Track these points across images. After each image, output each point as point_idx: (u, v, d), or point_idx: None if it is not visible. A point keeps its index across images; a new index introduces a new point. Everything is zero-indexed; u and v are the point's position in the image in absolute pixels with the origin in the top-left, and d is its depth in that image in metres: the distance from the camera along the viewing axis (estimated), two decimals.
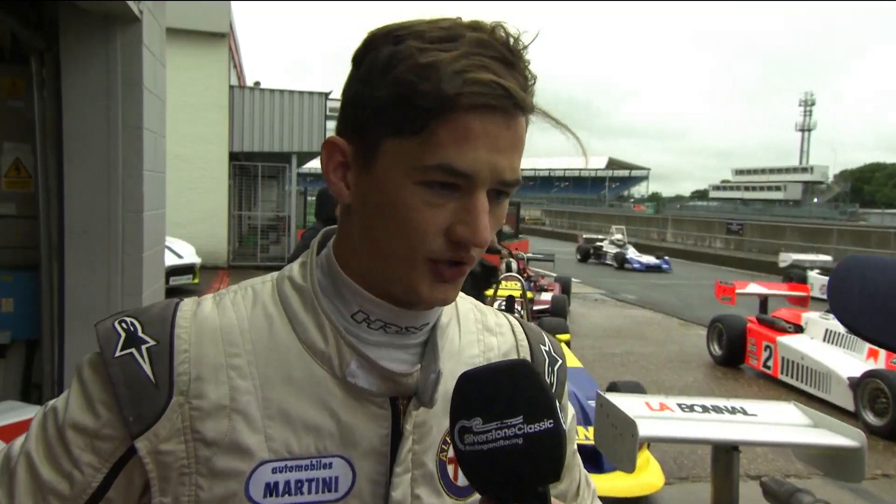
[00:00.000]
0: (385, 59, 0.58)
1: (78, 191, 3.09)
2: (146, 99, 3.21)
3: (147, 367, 0.60)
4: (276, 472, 0.61)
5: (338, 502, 0.63)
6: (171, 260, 9.50)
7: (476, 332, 0.75)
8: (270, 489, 0.61)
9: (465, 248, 0.60)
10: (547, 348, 0.80)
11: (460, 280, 0.63)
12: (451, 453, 0.68)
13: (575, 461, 0.82)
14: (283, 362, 0.63)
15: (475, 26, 0.59)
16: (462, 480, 0.68)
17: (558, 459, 0.56)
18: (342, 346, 0.64)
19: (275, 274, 0.70)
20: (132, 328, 0.62)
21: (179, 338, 0.62)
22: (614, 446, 1.85)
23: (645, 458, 3.98)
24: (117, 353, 0.61)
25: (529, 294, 7.59)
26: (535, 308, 8.82)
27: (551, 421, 0.55)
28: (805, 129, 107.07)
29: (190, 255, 10.83)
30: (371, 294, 0.64)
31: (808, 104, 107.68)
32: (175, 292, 9.63)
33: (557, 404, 0.57)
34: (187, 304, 0.65)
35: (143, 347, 0.61)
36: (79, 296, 3.11)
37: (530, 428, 0.55)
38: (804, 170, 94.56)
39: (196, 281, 10.77)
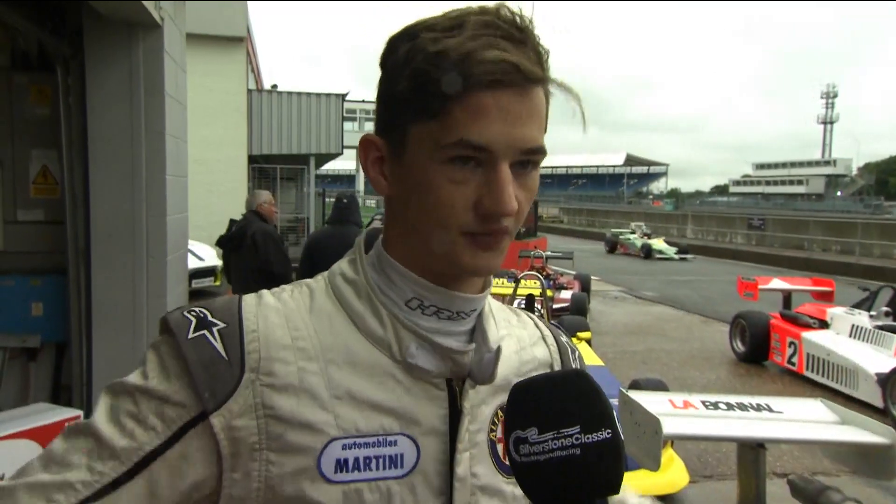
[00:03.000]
0: (403, 55, 0.63)
1: (103, 196, 3.15)
2: (168, 104, 3.26)
3: (219, 346, 0.63)
4: (346, 448, 0.63)
5: (403, 478, 0.65)
6: (192, 263, 9.61)
7: (508, 325, 0.79)
8: (340, 465, 0.63)
9: (494, 220, 0.62)
10: (565, 339, 0.85)
11: (501, 248, 0.65)
12: (499, 433, 0.71)
13: None
14: (345, 348, 0.66)
15: (481, 10, 0.63)
16: None
17: (617, 471, 0.55)
18: (400, 330, 0.67)
19: (325, 273, 0.74)
20: (202, 315, 0.65)
21: (248, 319, 0.65)
22: (638, 444, 1.84)
23: (669, 456, 3.95)
24: (190, 335, 0.63)
25: (549, 292, 7.56)
26: (555, 306, 8.78)
27: (609, 431, 0.55)
28: (827, 122, 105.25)
29: (211, 258, 10.94)
30: (423, 279, 0.67)
31: (830, 96, 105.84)
32: (197, 294, 9.74)
33: (616, 414, 0.58)
34: (249, 298, 0.68)
35: (215, 329, 0.64)
36: (105, 299, 3.17)
37: (588, 438, 0.54)
38: (827, 163, 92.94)
39: (217, 283, 10.89)
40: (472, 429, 0.69)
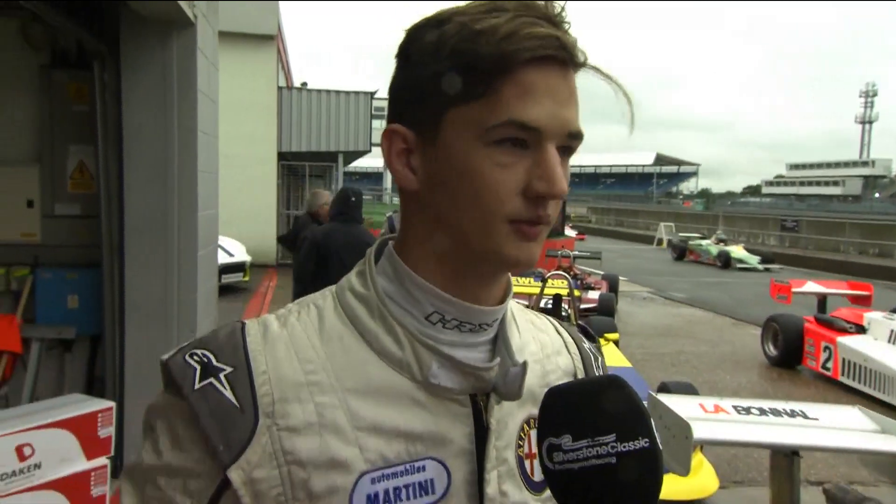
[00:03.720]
0: (434, 39, 0.60)
1: (136, 191, 3.21)
2: (200, 101, 3.30)
3: (229, 393, 0.58)
4: (375, 482, 0.60)
5: None
6: (222, 258, 9.74)
7: (530, 329, 0.76)
8: (371, 500, 0.60)
9: (543, 205, 0.60)
10: (588, 346, 0.81)
11: (542, 238, 0.63)
12: (526, 448, 0.68)
13: None
14: (362, 374, 0.62)
15: None
16: (538, 475, 0.66)
17: (654, 482, 0.53)
18: (419, 349, 0.63)
19: (333, 288, 0.69)
20: (206, 359, 0.60)
21: (255, 360, 0.60)
22: (667, 448, 1.81)
23: (698, 460, 3.88)
24: (196, 386, 0.59)
25: (577, 292, 7.50)
26: (583, 307, 8.70)
27: (647, 440, 0.53)
28: (866, 121, 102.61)
29: (241, 254, 11.09)
30: (445, 293, 0.63)
31: (869, 95, 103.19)
32: (227, 290, 9.89)
33: (653, 423, 0.55)
34: (253, 328, 0.63)
35: (222, 375, 0.59)
36: (138, 292, 3.23)
37: (624, 447, 0.52)
38: (865, 163, 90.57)
39: (247, 279, 11.03)
40: (499, 445, 0.65)
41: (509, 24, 0.58)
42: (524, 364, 0.64)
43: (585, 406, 0.55)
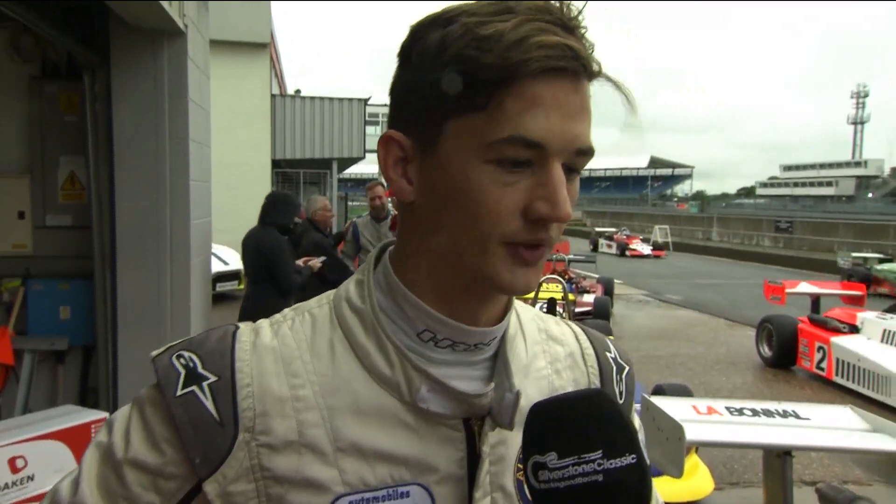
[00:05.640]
0: (437, 42, 0.56)
1: (128, 201, 3.20)
2: (191, 110, 3.31)
3: (210, 405, 0.57)
4: None
5: None
6: (217, 266, 9.74)
7: (541, 341, 0.71)
8: None
9: (544, 227, 0.56)
10: (613, 355, 0.75)
11: (541, 263, 0.59)
12: None
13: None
14: (350, 391, 0.60)
15: None
16: None
17: (642, 498, 0.52)
18: (409, 371, 0.60)
19: (331, 295, 0.66)
20: (191, 364, 0.59)
21: (241, 371, 0.59)
22: (661, 450, 1.81)
23: (693, 462, 3.89)
24: (179, 392, 0.58)
25: (571, 296, 7.51)
26: (578, 310, 8.71)
27: (634, 456, 0.52)
28: (858, 122, 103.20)
29: (235, 262, 11.04)
30: (437, 312, 0.60)
31: (860, 96, 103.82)
32: (222, 298, 9.86)
33: (639, 434, 0.54)
34: (245, 335, 0.62)
35: (205, 384, 0.58)
36: (130, 302, 3.22)
37: (611, 463, 0.51)
38: (857, 164, 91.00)
39: (241, 287, 11.00)
40: (493, 471, 0.62)
41: (517, 30, 0.53)
42: (517, 394, 0.61)
43: (570, 422, 0.53)
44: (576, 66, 0.54)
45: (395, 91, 0.61)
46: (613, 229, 29.32)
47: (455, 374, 0.61)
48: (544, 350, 0.70)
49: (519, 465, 0.63)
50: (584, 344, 0.74)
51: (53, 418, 2.41)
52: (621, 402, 0.72)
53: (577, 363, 0.72)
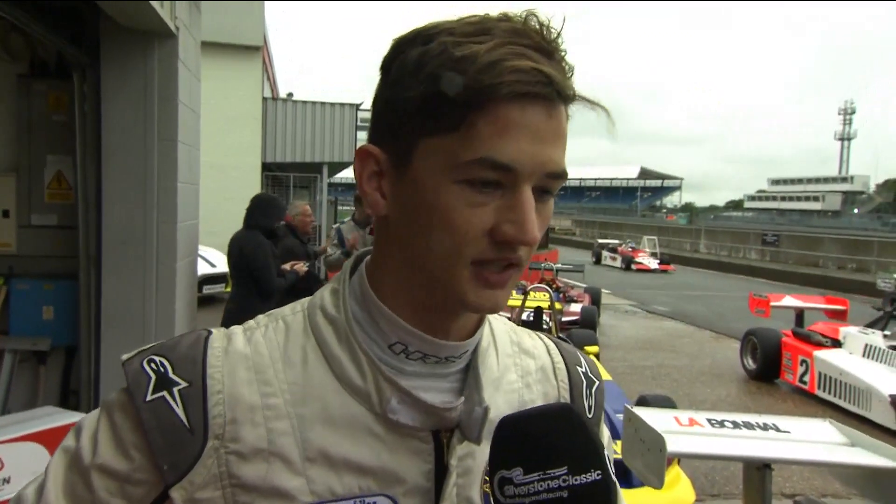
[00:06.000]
0: (415, 59, 0.56)
1: (115, 202, 3.19)
2: (181, 112, 3.30)
3: (180, 411, 0.57)
4: None
5: None
6: (204, 269, 9.68)
7: (513, 354, 0.71)
8: None
9: (511, 248, 0.56)
10: (584, 369, 0.75)
11: (510, 285, 0.59)
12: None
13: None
14: (321, 401, 0.60)
15: (506, 17, 0.56)
16: None
17: None
18: (381, 382, 0.60)
19: (305, 303, 0.66)
20: (162, 369, 0.59)
21: (212, 378, 0.59)
22: (642, 461, 1.83)
23: (675, 473, 3.90)
24: (148, 398, 0.58)
25: (558, 305, 7.53)
26: (565, 319, 8.74)
27: (599, 472, 0.52)
28: (845, 138, 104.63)
29: (222, 265, 10.99)
30: (409, 324, 0.61)
31: (847, 112, 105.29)
32: (209, 301, 9.80)
33: (606, 451, 0.54)
34: (217, 340, 0.62)
35: (175, 390, 0.58)
36: (115, 304, 3.20)
37: (576, 480, 0.51)
38: (844, 179, 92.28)
39: (228, 289, 10.93)
40: (461, 483, 0.62)
41: (491, 53, 0.53)
42: (486, 409, 0.62)
43: (536, 437, 0.54)
44: (548, 92, 0.54)
45: (375, 104, 0.62)
46: (617, 241, 27.82)
47: (426, 385, 0.62)
48: (516, 363, 0.71)
49: (486, 478, 0.63)
50: (556, 358, 0.75)
51: (32, 420, 2.38)
52: (590, 416, 0.73)
53: (547, 377, 0.73)
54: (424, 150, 0.56)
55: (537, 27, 0.56)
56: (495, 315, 0.71)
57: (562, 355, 0.75)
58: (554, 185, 0.58)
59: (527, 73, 0.53)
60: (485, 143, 0.54)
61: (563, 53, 0.57)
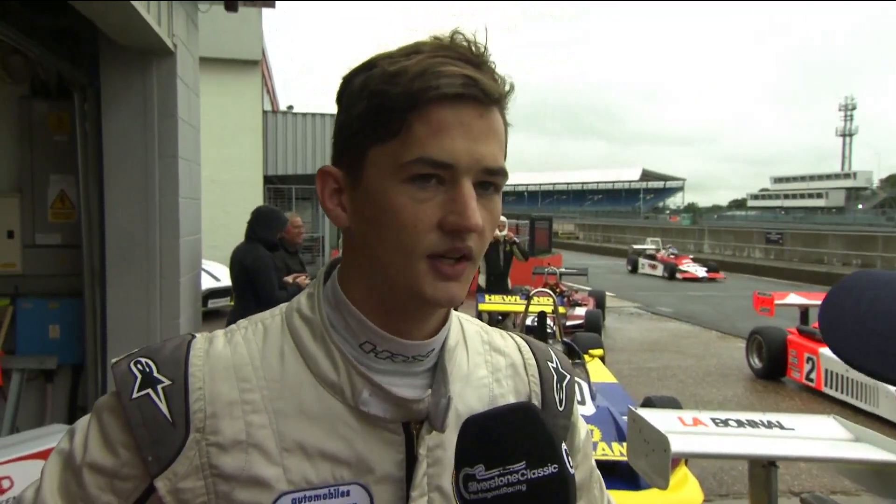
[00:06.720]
0: (360, 84, 0.63)
1: (117, 219, 3.22)
2: (181, 128, 3.33)
3: (163, 406, 0.62)
4: (297, 502, 0.62)
5: None
6: (208, 283, 9.70)
7: (483, 352, 0.75)
8: None
9: (459, 237, 0.61)
10: (555, 365, 0.79)
11: (465, 277, 0.63)
12: None
13: (593, 479, 0.81)
14: (296, 395, 0.64)
15: (436, 38, 0.63)
16: None
17: None
18: (353, 376, 0.65)
19: (283, 307, 0.71)
20: (147, 369, 0.63)
21: (194, 376, 0.63)
22: (647, 462, 1.83)
23: (683, 474, 3.89)
24: (134, 395, 0.62)
25: (562, 309, 7.52)
26: (569, 323, 8.72)
27: (555, 466, 0.55)
28: (846, 135, 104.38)
29: (226, 278, 11.01)
30: (375, 325, 0.65)
31: (848, 108, 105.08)
32: (214, 314, 9.82)
33: (563, 446, 0.57)
34: (199, 342, 0.67)
35: (160, 387, 0.62)
36: (120, 321, 3.22)
37: (533, 474, 0.54)
38: (847, 175, 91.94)
39: (232, 303, 10.96)
40: (431, 472, 0.66)
41: (420, 64, 0.60)
42: (449, 399, 0.66)
43: (497, 435, 0.57)
44: (476, 93, 0.60)
45: (334, 132, 0.68)
46: (654, 247, 24.01)
47: (398, 382, 0.66)
48: (486, 360, 0.75)
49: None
50: (527, 355, 0.79)
51: (41, 438, 2.40)
52: (561, 409, 0.77)
53: (518, 373, 0.77)
54: (373, 158, 0.62)
55: (465, 43, 0.62)
56: (467, 317, 0.76)
57: (532, 352, 0.79)
58: (495, 180, 0.63)
59: (453, 77, 0.60)
60: (422, 143, 0.60)
61: (492, 64, 0.63)
